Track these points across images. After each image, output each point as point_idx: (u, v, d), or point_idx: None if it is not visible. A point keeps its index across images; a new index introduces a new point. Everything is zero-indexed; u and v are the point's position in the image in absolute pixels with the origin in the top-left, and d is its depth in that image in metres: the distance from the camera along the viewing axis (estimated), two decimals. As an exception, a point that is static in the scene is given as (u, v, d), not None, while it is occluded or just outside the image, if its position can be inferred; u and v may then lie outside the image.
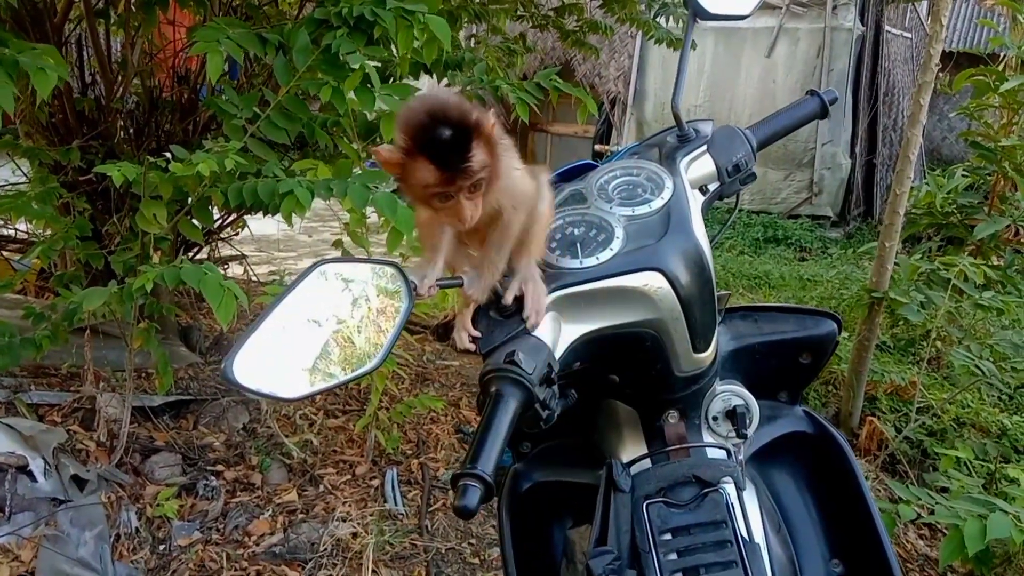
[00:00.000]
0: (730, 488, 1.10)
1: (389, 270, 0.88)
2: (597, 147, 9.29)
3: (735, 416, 1.16)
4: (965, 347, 3.60)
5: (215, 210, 2.77)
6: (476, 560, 2.52)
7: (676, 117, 1.21)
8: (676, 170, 1.15)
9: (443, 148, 0.85)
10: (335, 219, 3.44)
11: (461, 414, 3.44)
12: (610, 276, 1.01)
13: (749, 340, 1.24)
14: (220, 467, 2.86)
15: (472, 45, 4.04)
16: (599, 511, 1.11)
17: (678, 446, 1.14)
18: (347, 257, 0.88)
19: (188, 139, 3.06)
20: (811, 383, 1.32)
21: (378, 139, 2.99)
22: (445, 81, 3.34)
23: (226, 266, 4.01)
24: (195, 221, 2.53)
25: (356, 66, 2.14)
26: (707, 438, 1.17)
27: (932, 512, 2.36)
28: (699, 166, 1.20)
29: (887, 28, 9.04)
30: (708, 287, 1.07)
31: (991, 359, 3.47)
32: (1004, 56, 5.81)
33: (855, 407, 3.75)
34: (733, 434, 1.16)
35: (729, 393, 1.18)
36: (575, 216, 1.10)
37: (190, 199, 2.34)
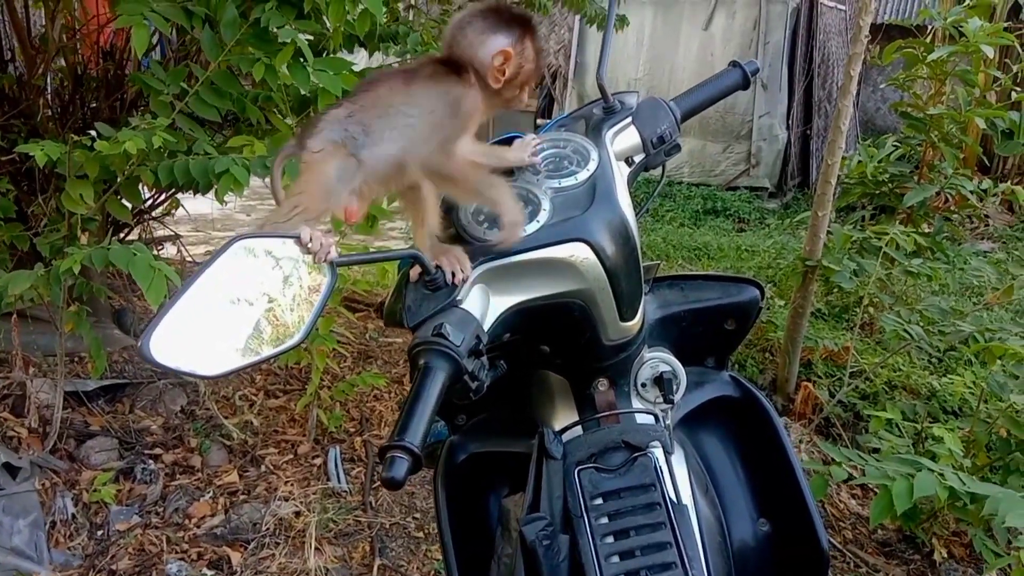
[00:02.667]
0: (658, 452, 1.13)
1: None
2: (539, 121, 9.29)
3: (663, 382, 1.18)
4: (895, 313, 3.71)
5: (145, 189, 2.70)
6: (421, 534, 2.54)
7: (602, 89, 1.22)
8: (601, 142, 1.16)
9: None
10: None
11: (405, 391, 3.42)
12: (536, 248, 1.02)
13: (675, 308, 1.27)
14: (158, 450, 2.82)
15: (410, 17, 4.00)
16: (531, 479, 1.14)
17: (608, 412, 1.16)
18: (264, 231, 0.87)
19: (115, 116, 2.98)
20: (736, 348, 1.36)
21: (312, 113, 2.95)
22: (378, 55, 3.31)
23: (160, 247, 3.92)
24: (124, 201, 2.46)
25: (287, 40, 2.11)
26: (636, 404, 1.19)
27: (864, 473, 2.45)
28: (624, 138, 1.22)
29: (822, 1, 9.17)
30: (633, 257, 1.09)
31: (920, 324, 3.58)
32: (932, 28, 5.94)
33: (791, 373, 3.85)
34: (661, 400, 1.19)
35: (657, 360, 1.20)
36: None
37: (118, 178, 2.28)
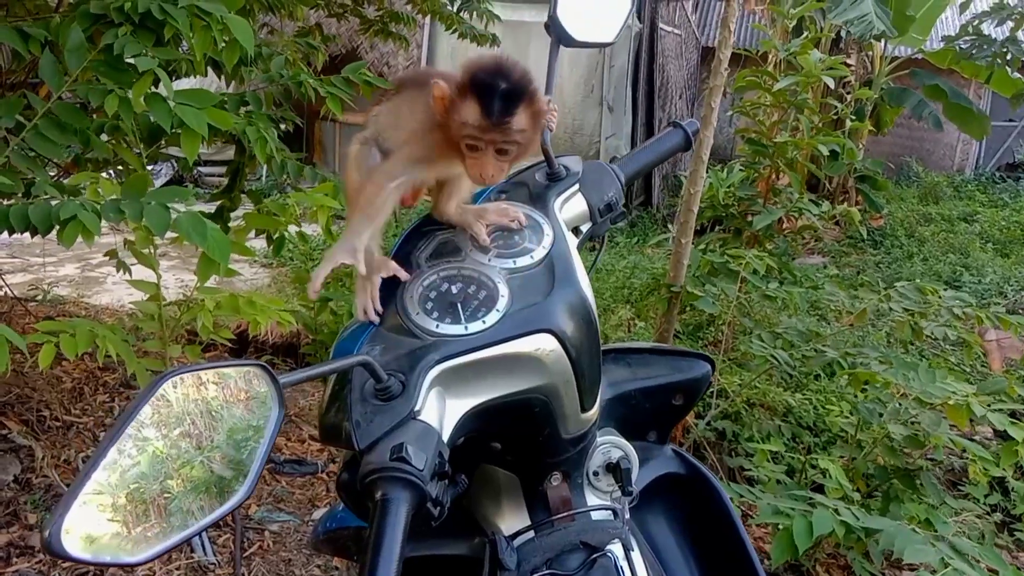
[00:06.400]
0: (618, 550, 1.04)
1: (253, 371, 0.71)
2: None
3: (618, 471, 1.09)
4: (757, 336, 3.82)
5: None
6: (303, 607, 2.33)
7: (546, 153, 1.11)
8: (551, 213, 1.06)
9: (493, 95, 0.91)
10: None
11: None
12: (499, 342, 0.90)
13: (625, 387, 1.18)
14: (-12, 531, 2.45)
15: (265, 36, 3.75)
16: (485, 595, 1.01)
17: (564, 513, 1.05)
18: (199, 363, 0.70)
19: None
20: (680, 422, 1.28)
21: (163, 144, 2.68)
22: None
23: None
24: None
25: (144, 69, 1.87)
26: (590, 496, 1.09)
27: (751, 504, 2.47)
28: (572, 206, 1.12)
29: (660, 25, 9.52)
30: (595, 342, 1.00)
31: (781, 346, 3.70)
32: (773, 58, 6.27)
33: (660, 397, 3.87)
34: (614, 488, 1.10)
35: (608, 445, 1.11)
36: (451, 271, 0.97)
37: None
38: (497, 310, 0.92)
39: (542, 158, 1.12)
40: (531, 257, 0.98)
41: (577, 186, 1.12)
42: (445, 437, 0.86)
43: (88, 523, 0.59)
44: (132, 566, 0.61)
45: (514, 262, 0.98)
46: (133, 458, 0.62)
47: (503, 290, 0.94)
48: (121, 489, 0.62)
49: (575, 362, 0.94)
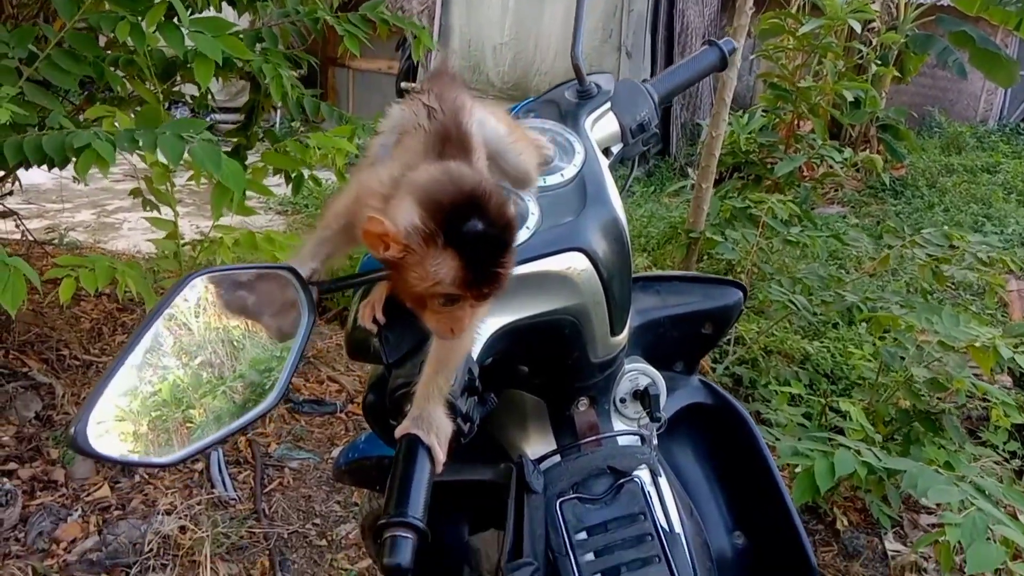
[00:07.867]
0: (645, 476, 1.02)
1: (282, 275, 0.69)
2: (403, 84, 8.99)
3: (647, 398, 1.07)
4: (777, 282, 3.77)
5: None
6: (324, 542, 2.34)
7: (577, 70, 1.07)
8: (582, 131, 1.02)
9: (484, 248, 0.68)
10: (122, 160, 3.03)
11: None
12: (530, 260, 0.87)
13: (654, 314, 1.15)
14: (12, 465, 2.47)
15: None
16: (511, 516, 1.00)
17: (591, 438, 1.03)
18: (227, 266, 0.67)
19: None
20: (708, 352, 1.26)
21: (179, 79, 2.65)
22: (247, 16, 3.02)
23: (-9, 225, 3.48)
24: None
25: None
26: (617, 423, 1.08)
27: (771, 447, 2.45)
28: (603, 126, 1.08)
29: (681, -31, 9.29)
30: (627, 264, 0.97)
31: (800, 292, 3.66)
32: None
33: (677, 343, 3.85)
34: (642, 415, 1.08)
35: (636, 372, 1.09)
36: None
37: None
38: (527, 227, 0.89)
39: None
40: (562, 175, 0.95)
41: (609, 105, 1.08)
42: (474, 355, 0.84)
43: (114, 422, 0.58)
44: (161, 467, 0.59)
45: (544, 180, 0.95)
46: (160, 359, 0.60)
47: (533, 207, 0.91)
48: (150, 387, 0.60)
49: (606, 283, 0.92)
